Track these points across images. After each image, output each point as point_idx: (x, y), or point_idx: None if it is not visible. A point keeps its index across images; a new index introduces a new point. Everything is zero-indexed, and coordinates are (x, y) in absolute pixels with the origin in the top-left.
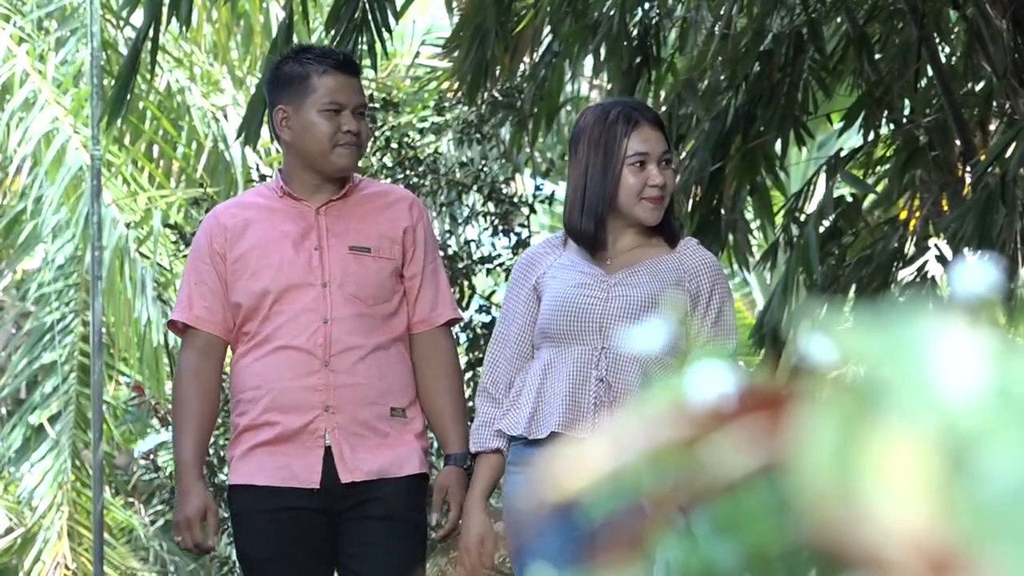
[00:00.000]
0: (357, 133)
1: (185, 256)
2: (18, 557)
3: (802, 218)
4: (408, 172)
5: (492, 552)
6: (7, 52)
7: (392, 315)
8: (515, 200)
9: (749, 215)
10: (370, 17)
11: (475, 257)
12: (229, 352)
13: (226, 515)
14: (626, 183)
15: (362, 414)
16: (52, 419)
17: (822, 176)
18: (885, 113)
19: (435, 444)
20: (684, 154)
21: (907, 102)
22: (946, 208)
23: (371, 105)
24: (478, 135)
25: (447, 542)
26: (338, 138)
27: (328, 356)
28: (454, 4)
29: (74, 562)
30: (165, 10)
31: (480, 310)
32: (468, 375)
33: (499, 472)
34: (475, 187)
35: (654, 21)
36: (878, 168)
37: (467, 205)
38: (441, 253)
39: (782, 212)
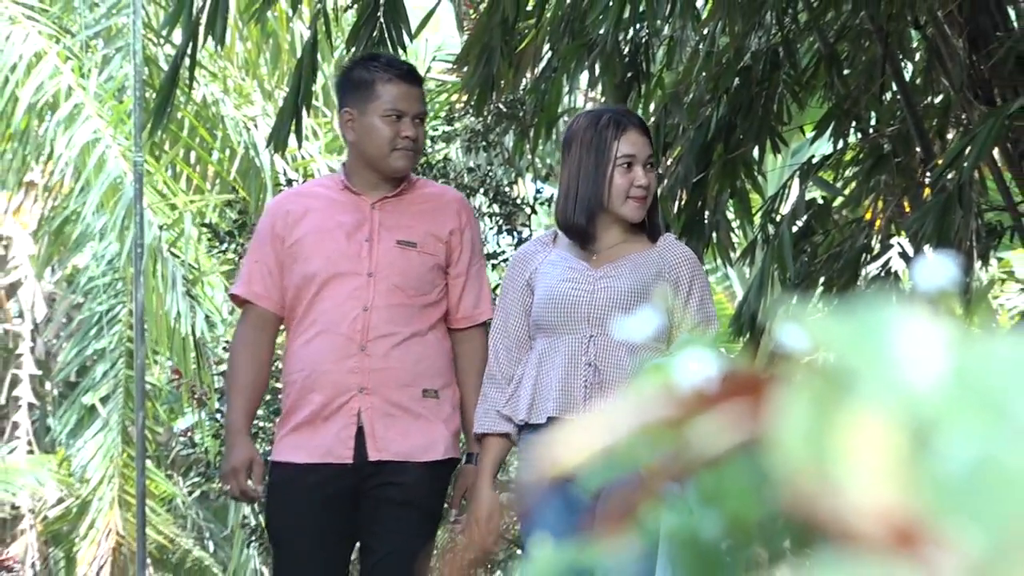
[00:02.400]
0: (415, 139)
1: (220, 252)
2: (72, 525)
3: (778, 218)
4: (420, 177)
5: (498, 526)
6: (54, 69)
7: (431, 305)
8: (518, 202)
9: (730, 215)
10: (387, 35)
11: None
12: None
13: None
14: (615, 183)
15: (395, 395)
16: (103, 400)
17: (796, 180)
18: (853, 123)
19: None
20: (671, 161)
21: (873, 113)
22: (908, 209)
23: None
24: (484, 143)
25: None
26: (397, 143)
27: (365, 341)
28: (464, 24)
29: (124, 529)
30: (202, 29)
31: None
32: None
33: (504, 452)
34: (481, 190)
35: (644, 40)
36: (846, 173)
37: (474, 207)
38: None
39: (760, 213)
